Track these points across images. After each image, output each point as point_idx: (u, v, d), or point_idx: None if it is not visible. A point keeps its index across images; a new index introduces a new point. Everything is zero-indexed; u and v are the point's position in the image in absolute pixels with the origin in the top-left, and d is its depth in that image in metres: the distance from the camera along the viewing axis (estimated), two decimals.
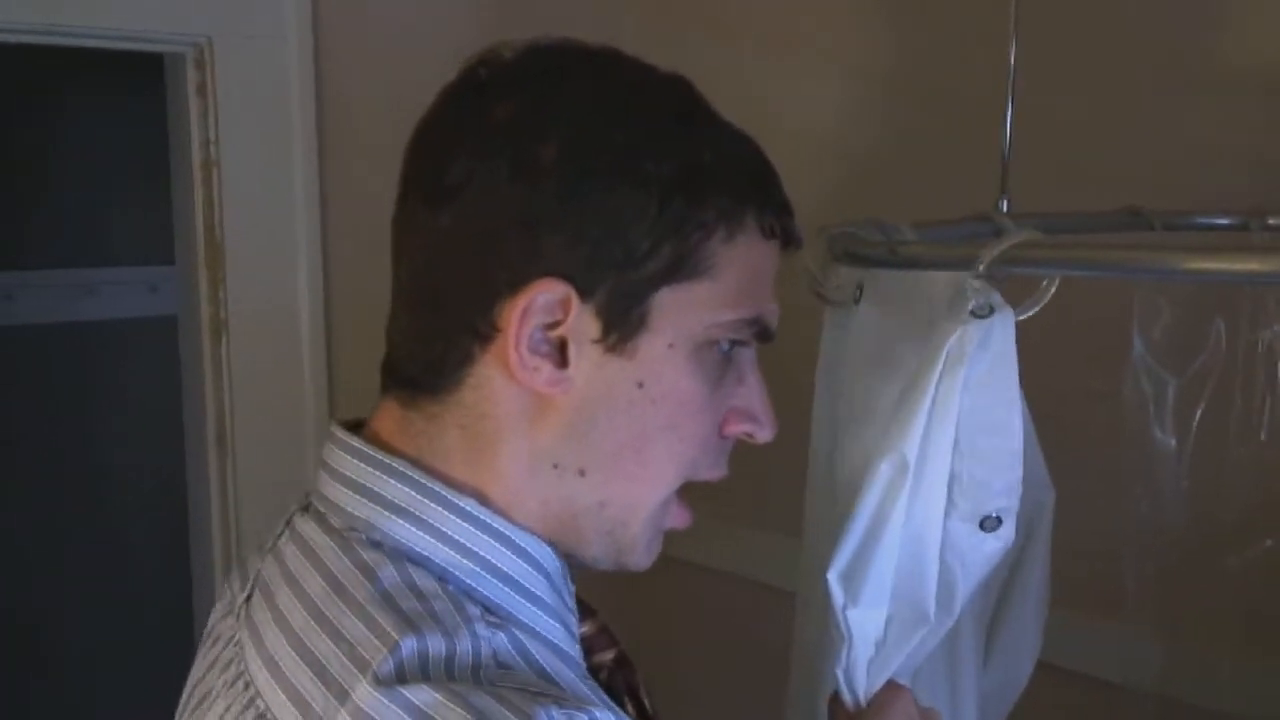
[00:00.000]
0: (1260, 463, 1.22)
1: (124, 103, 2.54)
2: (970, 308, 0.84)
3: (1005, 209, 1.10)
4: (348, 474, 0.72)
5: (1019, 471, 0.91)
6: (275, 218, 1.56)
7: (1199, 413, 1.23)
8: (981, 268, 0.82)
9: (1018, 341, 0.95)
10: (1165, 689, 1.29)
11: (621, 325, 0.69)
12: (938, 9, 1.53)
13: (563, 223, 0.68)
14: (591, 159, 0.68)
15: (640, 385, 0.70)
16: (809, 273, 0.95)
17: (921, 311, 0.89)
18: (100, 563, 2.83)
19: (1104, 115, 1.37)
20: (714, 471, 0.76)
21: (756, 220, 0.72)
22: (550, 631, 0.71)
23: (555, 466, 0.71)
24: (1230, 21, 1.30)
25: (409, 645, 0.62)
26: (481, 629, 0.64)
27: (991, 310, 0.84)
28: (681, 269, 0.69)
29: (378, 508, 0.70)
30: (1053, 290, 0.83)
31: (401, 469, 0.70)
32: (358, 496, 0.71)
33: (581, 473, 0.71)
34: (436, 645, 0.62)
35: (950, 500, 0.89)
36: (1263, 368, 1.21)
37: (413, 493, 0.70)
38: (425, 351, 0.71)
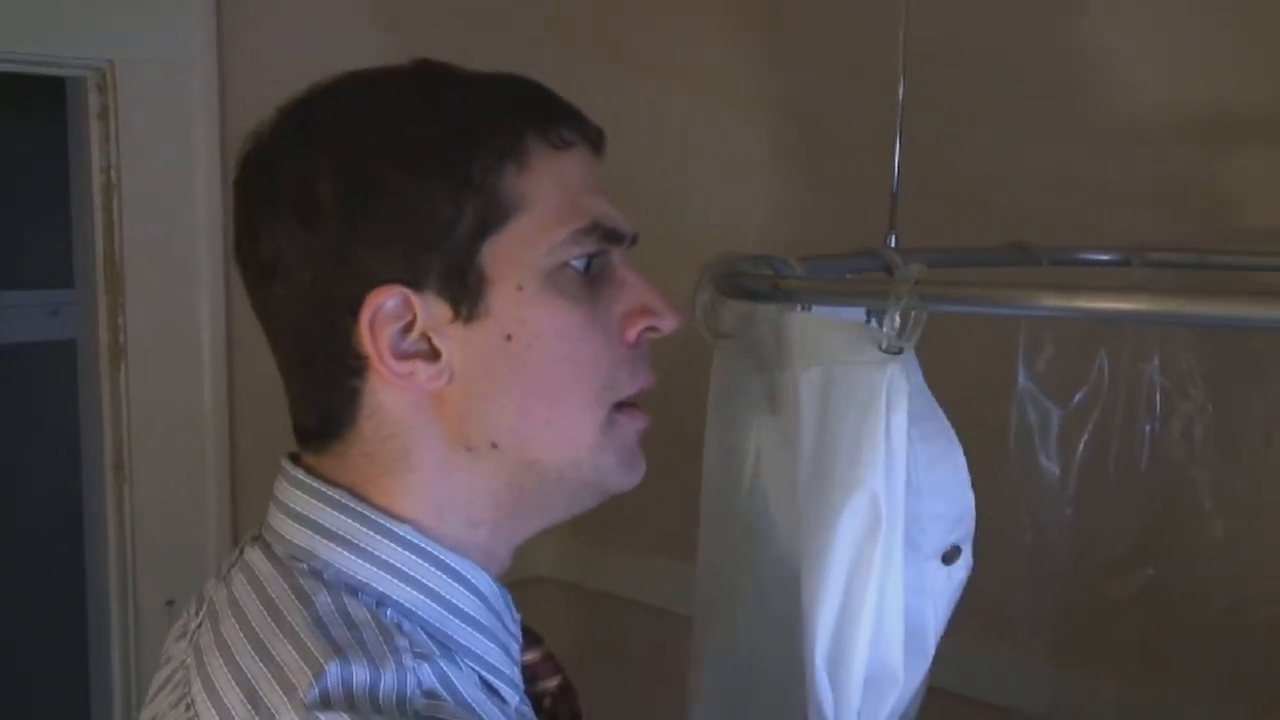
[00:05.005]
0: (1142, 491, 1.26)
1: (24, 125, 2.50)
2: (884, 345, 0.85)
3: (894, 244, 1.13)
4: (291, 505, 0.74)
5: (971, 495, 0.93)
6: (176, 243, 1.54)
7: (1083, 443, 1.27)
8: (897, 313, 0.83)
9: None
10: (1055, 713, 1.32)
11: (465, 295, 0.70)
12: (832, 45, 1.56)
13: (365, 239, 0.70)
14: (360, 170, 0.70)
15: (509, 338, 0.71)
16: (699, 309, 0.96)
17: (835, 354, 0.88)
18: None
19: (992, 152, 1.41)
20: (637, 381, 0.76)
21: (542, 139, 0.73)
22: (489, 654, 0.73)
23: (469, 450, 0.72)
24: (1114, 63, 1.34)
25: (334, 671, 0.63)
26: (408, 660, 0.66)
27: (901, 348, 0.85)
28: (492, 218, 0.70)
29: (318, 536, 0.72)
30: (922, 325, 0.85)
31: (339, 498, 0.72)
32: (299, 526, 0.73)
33: (494, 445, 0.72)
34: (361, 674, 0.64)
35: (913, 543, 0.89)
36: (1144, 398, 1.25)
37: (351, 521, 0.72)
38: (318, 406, 0.74)
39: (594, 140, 0.77)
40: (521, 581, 2.12)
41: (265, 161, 0.74)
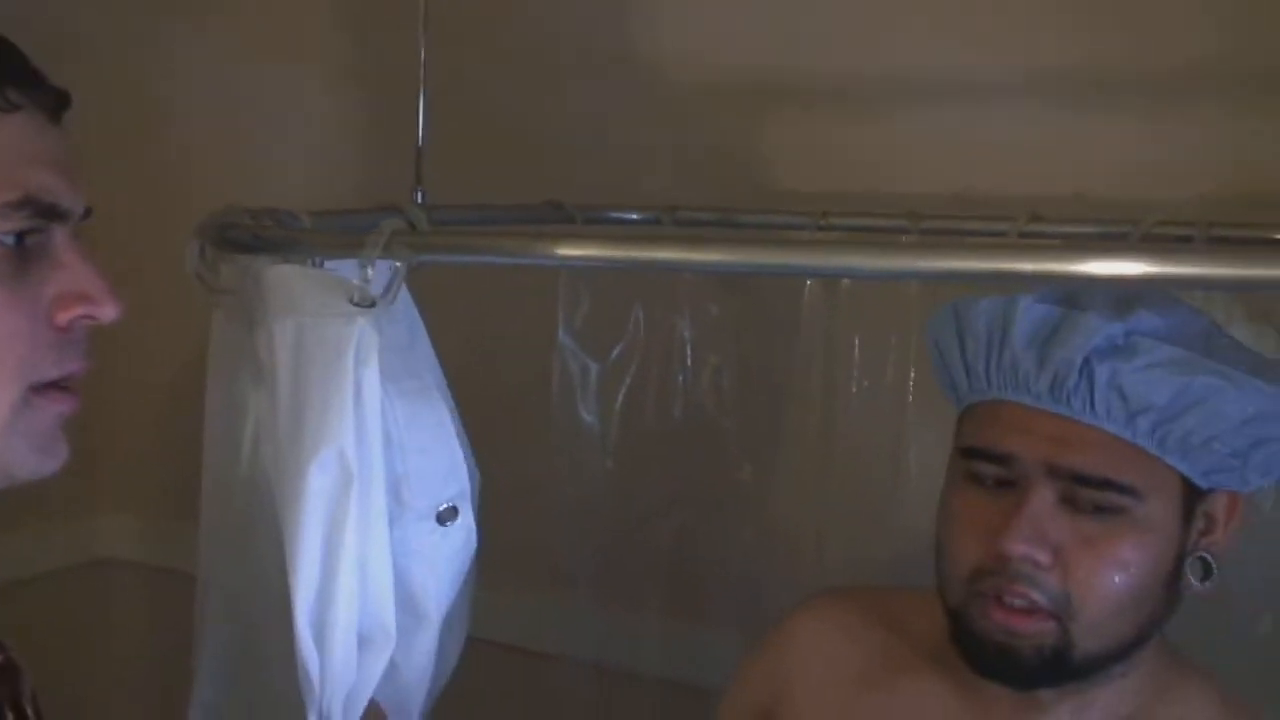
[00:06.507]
0: (677, 439, 1.32)
1: None
2: (355, 299, 0.84)
3: (421, 200, 1.12)
4: None
5: (460, 454, 0.93)
6: None
7: (621, 395, 1.32)
8: (369, 266, 0.82)
9: (447, 331, 0.97)
10: (601, 656, 1.36)
11: None
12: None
13: None
14: None
15: None
16: (189, 261, 0.92)
17: (305, 307, 0.86)
18: None
19: (529, 111, 1.43)
20: (63, 367, 0.70)
21: None
22: None
23: None
24: (657, 29, 1.39)
25: None
26: None
27: (374, 302, 0.84)
28: None
29: None
30: (403, 275, 0.85)
31: None
32: None
33: None
34: None
35: (401, 503, 0.89)
36: (676, 351, 1.31)
37: None
38: None
39: (51, 106, 0.70)
40: (83, 565, 1.98)
41: None
